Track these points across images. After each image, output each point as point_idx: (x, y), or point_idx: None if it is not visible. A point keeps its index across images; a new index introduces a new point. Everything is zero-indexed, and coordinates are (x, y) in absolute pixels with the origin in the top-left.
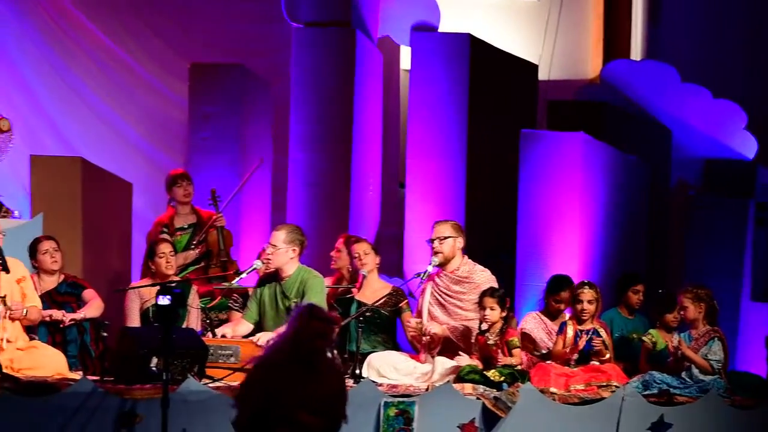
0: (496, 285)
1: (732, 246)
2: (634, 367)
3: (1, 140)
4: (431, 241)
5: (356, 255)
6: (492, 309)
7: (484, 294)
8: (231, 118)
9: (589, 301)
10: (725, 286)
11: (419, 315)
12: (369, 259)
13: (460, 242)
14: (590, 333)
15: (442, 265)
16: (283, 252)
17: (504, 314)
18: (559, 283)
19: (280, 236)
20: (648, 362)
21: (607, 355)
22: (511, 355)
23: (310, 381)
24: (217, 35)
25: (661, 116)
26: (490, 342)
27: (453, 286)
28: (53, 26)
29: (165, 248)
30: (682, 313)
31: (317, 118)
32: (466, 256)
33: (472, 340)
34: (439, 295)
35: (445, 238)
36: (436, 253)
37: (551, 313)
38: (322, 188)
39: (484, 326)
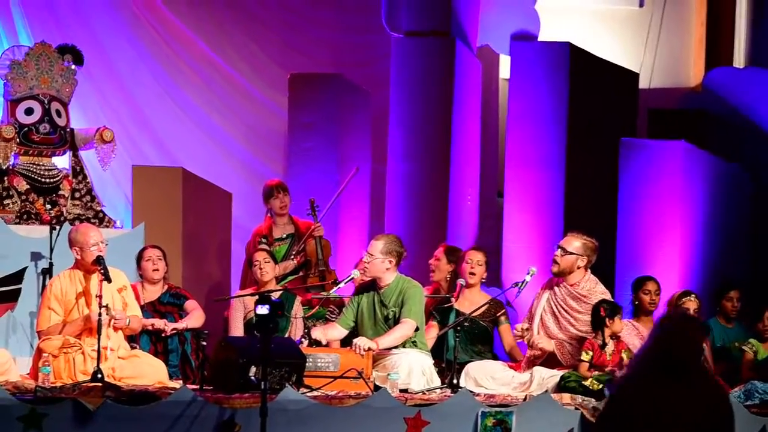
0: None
1: None
2: (736, 376)
3: (104, 150)
4: (558, 246)
5: (469, 262)
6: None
7: (616, 304)
8: (330, 127)
9: (695, 310)
10: None
11: (530, 319)
12: (480, 270)
13: (583, 261)
14: None
15: (558, 275)
16: (379, 262)
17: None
18: (642, 279)
19: (378, 246)
20: (750, 371)
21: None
22: (622, 366)
23: (688, 396)
24: (317, 46)
25: (765, 123)
26: (609, 352)
27: (570, 300)
28: (158, 39)
29: (259, 256)
30: None
31: (416, 127)
32: (590, 273)
33: (585, 349)
34: (555, 306)
35: (570, 253)
36: (554, 261)
37: (643, 310)
38: (420, 198)
39: (600, 340)
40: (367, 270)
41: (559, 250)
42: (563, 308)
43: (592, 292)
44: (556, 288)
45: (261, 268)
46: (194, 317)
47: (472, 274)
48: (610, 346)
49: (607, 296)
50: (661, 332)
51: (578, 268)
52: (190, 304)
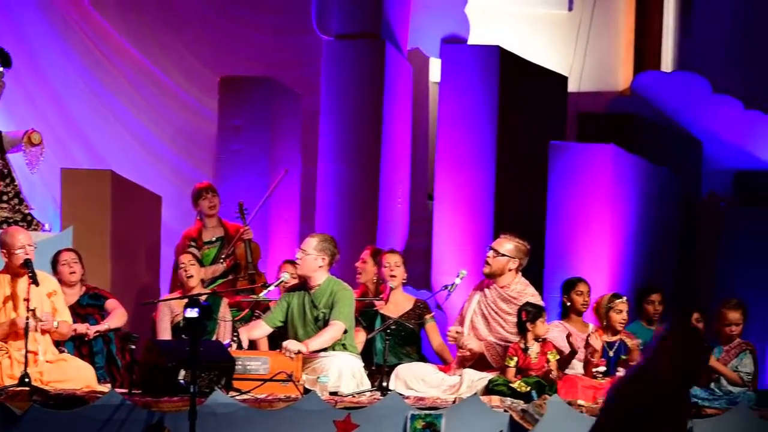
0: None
1: (762, 257)
2: None
3: (33, 153)
4: (489, 247)
5: (387, 265)
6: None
7: (540, 306)
8: (260, 130)
9: (628, 312)
10: (756, 299)
11: (461, 321)
12: (399, 272)
13: (514, 263)
14: (617, 345)
15: (489, 276)
16: (312, 259)
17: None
18: (573, 280)
19: (312, 243)
20: None
21: None
22: (549, 368)
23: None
24: (246, 48)
25: (692, 127)
26: (533, 355)
27: (500, 302)
28: (87, 41)
29: (184, 259)
30: (731, 328)
31: (346, 129)
32: (520, 275)
33: (509, 353)
34: (486, 307)
35: (502, 255)
36: (486, 263)
37: (575, 311)
38: (350, 200)
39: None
40: (300, 267)
41: (491, 251)
42: (493, 310)
43: (523, 294)
44: (486, 290)
45: (186, 270)
46: (116, 316)
47: (393, 276)
48: (535, 349)
49: (537, 298)
50: (672, 341)
51: (509, 270)
52: (111, 304)
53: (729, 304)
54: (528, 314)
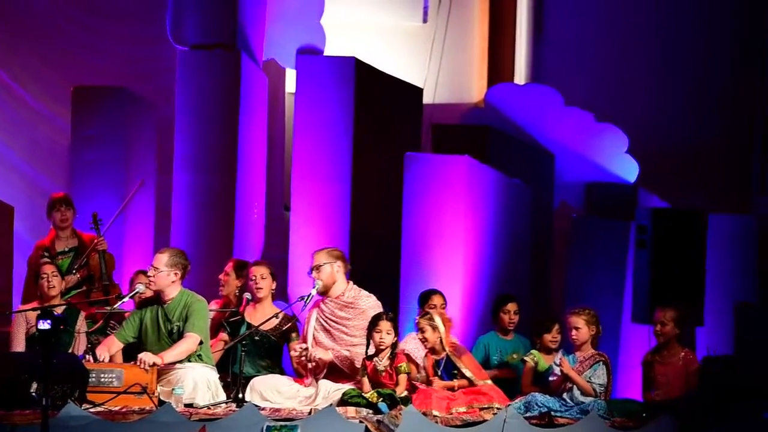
0: (381, 310)
1: (613, 268)
2: (517, 387)
3: None
4: (311, 268)
5: (253, 278)
6: (388, 333)
7: (379, 318)
8: (114, 140)
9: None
10: (606, 308)
11: (304, 340)
12: (265, 284)
13: (338, 267)
14: (443, 362)
15: (323, 293)
16: (165, 275)
17: (395, 339)
18: (428, 293)
19: (163, 259)
20: (531, 383)
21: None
22: (397, 382)
23: None
24: (102, 58)
25: (545, 140)
26: (380, 368)
27: (338, 311)
28: None
29: (47, 269)
30: (573, 334)
31: (201, 140)
32: (351, 282)
33: (358, 366)
34: (325, 321)
35: (321, 266)
36: (315, 280)
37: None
38: (206, 211)
39: (371, 351)
40: (153, 283)
41: (313, 270)
42: (333, 321)
43: (358, 298)
44: (322, 305)
45: (48, 281)
46: None
47: (259, 288)
48: (384, 362)
49: (373, 299)
50: None
51: (338, 275)
52: None
53: (572, 312)
54: (368, 326)
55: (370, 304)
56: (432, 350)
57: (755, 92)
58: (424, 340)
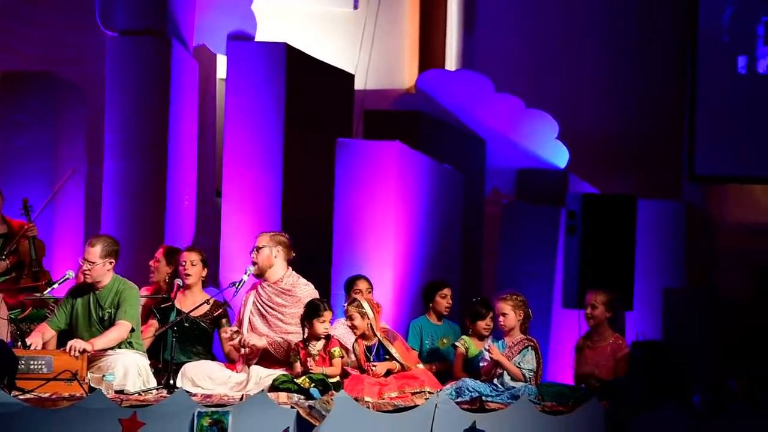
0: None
1: (543, 253)
2: (448, 373)
3: None
4: (251, 251)
5: (183, 263)
6: (325, 321)
7: (322, 308)
8: (43, 127)
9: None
10: (537, 293)
11: (240, 324)
12: (194, 270)
13: (277, 252)
14: (375, 347)
15: (259, 276)
16: (101, 266)
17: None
18: (353, 278)
19: (96, 252)
20: (462, 369)
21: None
22: (331, 365)
23: None
24: (31, 44)
25: (476, 126)
26: (314, 351)
27: (275, 297)
28: None
29: None
30: (501, 320)
31: (132, 127)
32: (290, 269)
33: (293, 351)
34: (261, 306)
35: (261, 248)
36: (253, 263)
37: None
38: (136, 198)
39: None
40: (90, 277)
41: (254, 251)
42: (270, 306)
43: (296, 285)
44: (259, 289)
45: None
46: None
47: (188, 275)
48: (317, 347)
49: (310, 287)
50: None
51: (278, 260)
52: None
53: (499, 298)
54: (305, 312)
55: (307, 292)
56: (363, 336)
57: (684, 78)
58: (353, 327)
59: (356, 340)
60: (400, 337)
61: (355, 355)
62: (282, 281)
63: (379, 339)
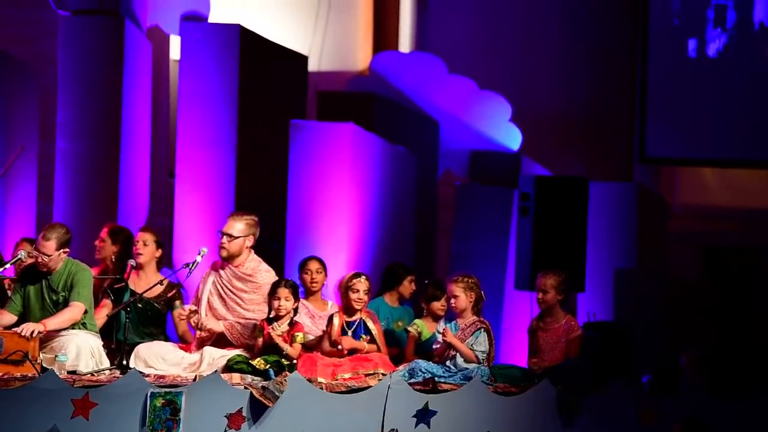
0: None
1: (496, 235)
2: (401, 355)
3: None
4: (221, 233)
5: (137, 243)
6: (287, 300)
7: (278, 285)
8: None
9: (365, 292)
10: (489, 275)
11: (197, 303)
12: (146, 250)
13: (249, 241)
14: (356, 324)
15: (226, 260)
16: (57, 256)
17: (296, 306)
18: (305, 260)
19: (52, 246)
20: (414, 352)
21: (366, 348)
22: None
23: None
24: None
25: (429, 107)
26: (278, 332)
27: (235, 281)
28: None
29: None
30: (452, 302)
31: (84, 106)
32: (252, 252)
33: (246, 339)
34: (221, 288)
35: (236, 237)
36: (221, 247)
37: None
38: (89, 178)
39: (272, 315)
40: (45, 267)
41: (225, 237)
42: (230, 290)
43: (257, 271)
44: (221, 270)
45: None
46: None
47: (139, 254)
48: (283, 327)
49: (272, 274)
50: None
51: (247, 248)
52: None
53: (451, 280)
54: (270, 290)
55: (268, 279)
56: (346, 311)
57: (635, 60)
58: (358, 301)
59: (337, 313)
60: (379, 322)
61: (332, 327)
62: (243, 265)
63: (362, 318)
